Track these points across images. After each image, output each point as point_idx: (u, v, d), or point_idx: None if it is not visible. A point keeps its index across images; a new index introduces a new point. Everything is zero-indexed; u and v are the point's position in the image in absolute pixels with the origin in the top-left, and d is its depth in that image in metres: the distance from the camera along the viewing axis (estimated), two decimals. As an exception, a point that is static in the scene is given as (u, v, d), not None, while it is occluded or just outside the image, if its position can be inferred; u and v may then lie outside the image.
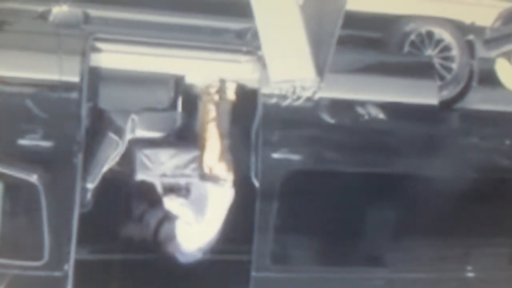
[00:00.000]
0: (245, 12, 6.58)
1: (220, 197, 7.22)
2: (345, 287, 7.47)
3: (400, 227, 7.49)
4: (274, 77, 6.25)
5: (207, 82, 7.30)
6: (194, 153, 7.23)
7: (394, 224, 7.51)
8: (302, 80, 6.30)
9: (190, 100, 7.34)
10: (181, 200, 7.22)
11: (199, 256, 7.28)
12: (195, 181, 7.26)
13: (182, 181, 7.26)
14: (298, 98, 6.49)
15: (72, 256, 6.61)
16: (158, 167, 7.15)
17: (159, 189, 7.23)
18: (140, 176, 7.14)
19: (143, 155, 7.13)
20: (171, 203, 7.22)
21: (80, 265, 6.69)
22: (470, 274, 7.85)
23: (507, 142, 7.86)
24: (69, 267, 6.61)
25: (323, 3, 6.25)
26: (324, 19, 6.22)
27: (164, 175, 7.18)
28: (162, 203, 7.49)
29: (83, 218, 6.73)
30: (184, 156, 7.20)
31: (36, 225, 6.55)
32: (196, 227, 7.20)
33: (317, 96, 6.49)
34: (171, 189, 7.26)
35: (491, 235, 7.77)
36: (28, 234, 6.65)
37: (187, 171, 7.20)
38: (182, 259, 7.27)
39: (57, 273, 6.61)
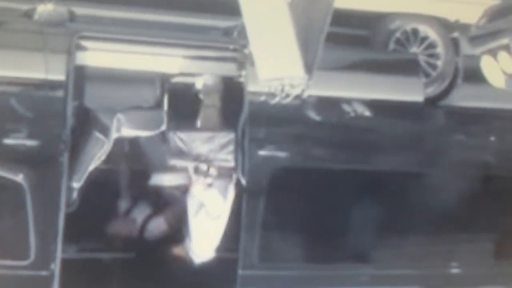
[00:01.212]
0: (232, 10, 6.56)
1: (231, 195, 7.17)
2: (332, 284, 7.47)
3: (386, 224, 7.50)
4: (262, 75, 6.21)
5: (194, 80, 7.29)
6: (230, 136, 7.15)
7: (380, 221, 7.52)
8: (291, 78, 6.26)
9: (176, 98, 7.33)
10: (211, 188, 7.12)
11: (212, 255, 7.23)
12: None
13: (214, 165, 7.10)
14: (287, 96, 6.50)
15: (59, 255, 6.58)
16: (192, 150, 7.07)
17: (191, 173, 7.09)
18: (173, 160, 7.06)
19: (178, 138, 7.08)
20: (201, 189, 7.11)
21: (66, 264, 6.65)
22: (455, 270, 7.88)
23: (492, 139, 7.89)
24: (56, 266, 6.58)
25: (311, 1, 6.24)
26: (313, 16, 6.19)
27: (197, 158, 7.07)
28: (148, 200, 7.50)
29: (69, 217, 6.68)
30: (219, 140, 7.11)
31: (22, 225, 6.51)
32: (213, 223, 7.14)
33: (305, 94, 6.49)
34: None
35: (476, 232, 7.81)
36: (14, 234, 6.60)
37: (222, 155, 7.10)
38: (195, 259, 7.24)
39: (43, 273, 6.58)
